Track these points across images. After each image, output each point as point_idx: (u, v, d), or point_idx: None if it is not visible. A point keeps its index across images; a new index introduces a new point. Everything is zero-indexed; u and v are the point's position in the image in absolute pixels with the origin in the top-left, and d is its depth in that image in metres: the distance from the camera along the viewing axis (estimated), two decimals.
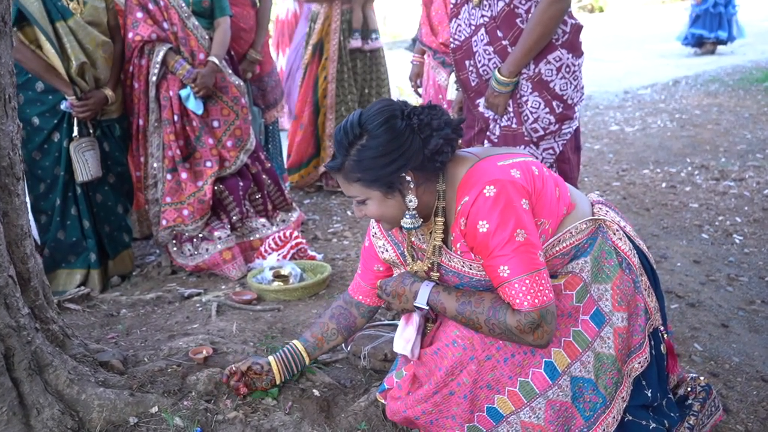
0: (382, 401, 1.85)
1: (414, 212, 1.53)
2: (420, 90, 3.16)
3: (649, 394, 1.66)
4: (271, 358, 1.86)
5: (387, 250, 1.74)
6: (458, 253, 1.56)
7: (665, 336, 1.73)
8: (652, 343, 1.68)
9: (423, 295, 1.59)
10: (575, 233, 1.59)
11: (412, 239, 1.67)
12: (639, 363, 1.63)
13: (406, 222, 1.55)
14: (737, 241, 3.49)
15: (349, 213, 4.13)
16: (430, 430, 1.67)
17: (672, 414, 1.71)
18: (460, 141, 1.67)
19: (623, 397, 1.60)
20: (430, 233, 1.61)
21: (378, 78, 4.51)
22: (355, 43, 4.28)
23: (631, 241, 1.69)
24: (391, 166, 1.46)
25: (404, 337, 1.65)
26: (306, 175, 4.51)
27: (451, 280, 1.61)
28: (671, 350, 1.78)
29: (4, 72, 1.66)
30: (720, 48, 10.90)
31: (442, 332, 1.62)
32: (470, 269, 1.56)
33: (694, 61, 10.33)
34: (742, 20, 10.95)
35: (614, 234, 1.65)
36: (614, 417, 1.57)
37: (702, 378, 1.94)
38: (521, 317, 1.44)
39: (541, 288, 1.44)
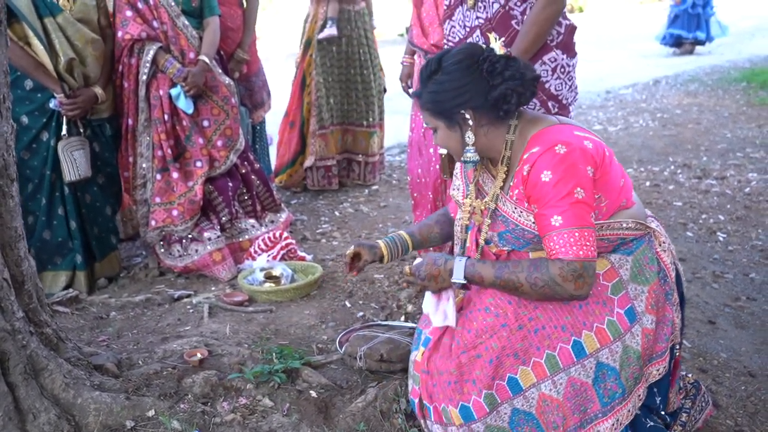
0: (414, 371, 1.83)
1: (473, 148, 1.64)
2: (411, 90, 3.17)
3: (658, 402, 1.71)
4: (380, 242, 1.94)
5: (458, 189, 1.83)
6: (513, 198, 1.62)
7: (677, 354, 1.77)
8: (670, 356, 1.72)
9: (459, 269, 1.64)
10: (625, 227, 1.64)
11: (479, 180, 1.77)
12: (657, 370, 1.66)
13: (465, 156, 1.66)
14: (721, 238, 3.55)
15: (336, 213, 4.13)
16: (445, 394, 1.67)
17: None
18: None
19: (639, 396, 1.63)
20: (495, 176, 1.70)
21: (363, 81, 4.45)
22: (330, 30, 4.23)
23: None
24: (451, 102, 1.60)
25: (441, 311, 1.71)
26: (294, 174, 4.50)
27: (498, 226, 1.68)
28: (677, 365, 1.82)
29: None
30: (698, 48, 11.07)
31: (477, 298, 1.67)
32: (519, 216, 1.61)
33: (674, 61, 10.47)
34: (721, 20, 11.12)
35: (660, 246, 1.70)
36: (629, 410, 1.61)
37: (690, 375, 1.98)
38: (564, 265, 1.49)
39: (587, 243, 1.49)
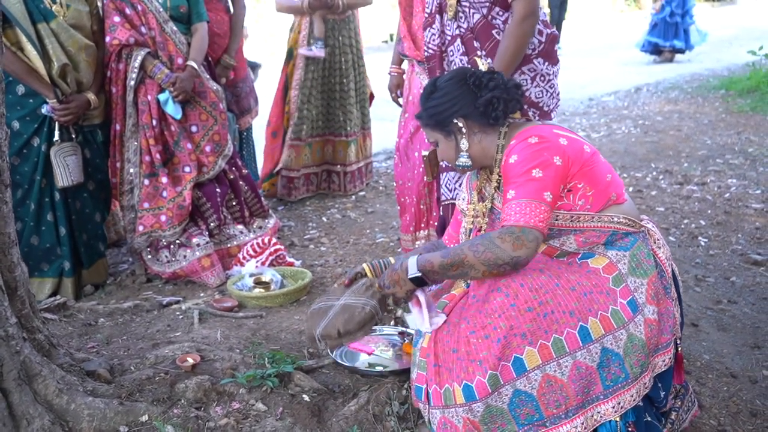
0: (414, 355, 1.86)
1: (466, 154, 1.81)
2: (401, 100, 3.19)
3: (662, 396, 1.77)
4: (364, 265, 2.01)
5: (463, 199, 1.98)
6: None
7: (679, 349, 1.83)
8: (674, 349, 1.78)
9: (412, 264, 1.72)
10: (616, 221, 1.73)
11: (482, 188, 1.92)
12: (663, 361, 1.73)
13: (459, 161, 1.83)
14: (702, 243, 3.62)
15: (324, 219, 4.14)
16: (453, 372, 1.68)
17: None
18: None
19: (645, 384, 1.68)
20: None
21: (342, 90, 4.40)
22: (318, 52, 4.18)
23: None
24: (445, 113, 1.79)
25: (425, 317, 1.76)
26: (276, 183, 4.49)
27: (496, 225, 1.80)
28: (680, 361, 1.87)
29: None
30: (678, 56, 11.24)
31: (491, 280, 1.71)
32: None
33: (654, 68, 10.62)
34: (701, 28, 11.30)
35: (654, 243, 1.80)
36: (632, 396, 1.65)
37: None
38: (503, 229, 1.62)
39: (534, 213, 1.60)
